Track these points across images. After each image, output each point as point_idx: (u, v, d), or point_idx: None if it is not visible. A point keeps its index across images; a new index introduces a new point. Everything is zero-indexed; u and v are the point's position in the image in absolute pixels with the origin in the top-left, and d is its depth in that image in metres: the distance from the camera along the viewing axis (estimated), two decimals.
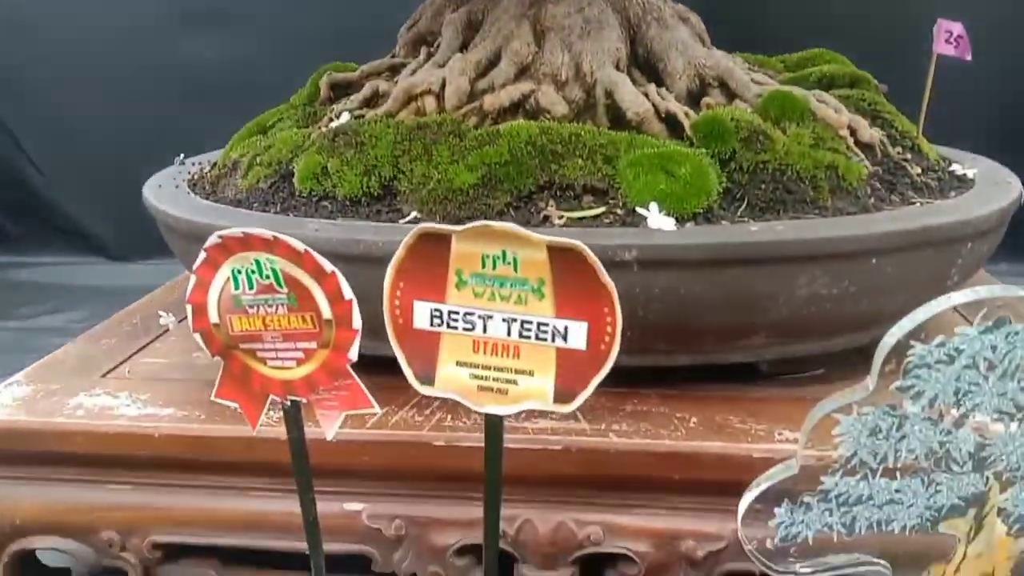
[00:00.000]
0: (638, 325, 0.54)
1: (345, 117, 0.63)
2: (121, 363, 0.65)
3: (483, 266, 0.39)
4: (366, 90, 0.66)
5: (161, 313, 0.72)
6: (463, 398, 0.41)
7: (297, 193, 0.58)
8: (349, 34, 1.25)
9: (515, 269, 0.39)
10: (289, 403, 0.42)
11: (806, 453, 0.48)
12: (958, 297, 0.44)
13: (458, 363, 0.41)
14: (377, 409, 0.41)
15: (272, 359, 0.41)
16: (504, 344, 0.40)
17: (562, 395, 0.41)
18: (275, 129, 0.69)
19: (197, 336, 0.41)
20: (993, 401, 0.46)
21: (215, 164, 0.73)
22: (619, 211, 0.54)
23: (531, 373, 0.41)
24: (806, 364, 0.61)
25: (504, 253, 0.39)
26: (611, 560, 0.56)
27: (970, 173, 0.69)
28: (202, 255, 0.39)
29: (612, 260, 0.50)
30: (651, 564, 0.55)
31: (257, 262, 0.39)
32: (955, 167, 0.71)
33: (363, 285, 0.39)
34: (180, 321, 0.73)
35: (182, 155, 0.77)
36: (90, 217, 1.51)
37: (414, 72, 0.66)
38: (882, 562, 0.51)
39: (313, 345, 0.40)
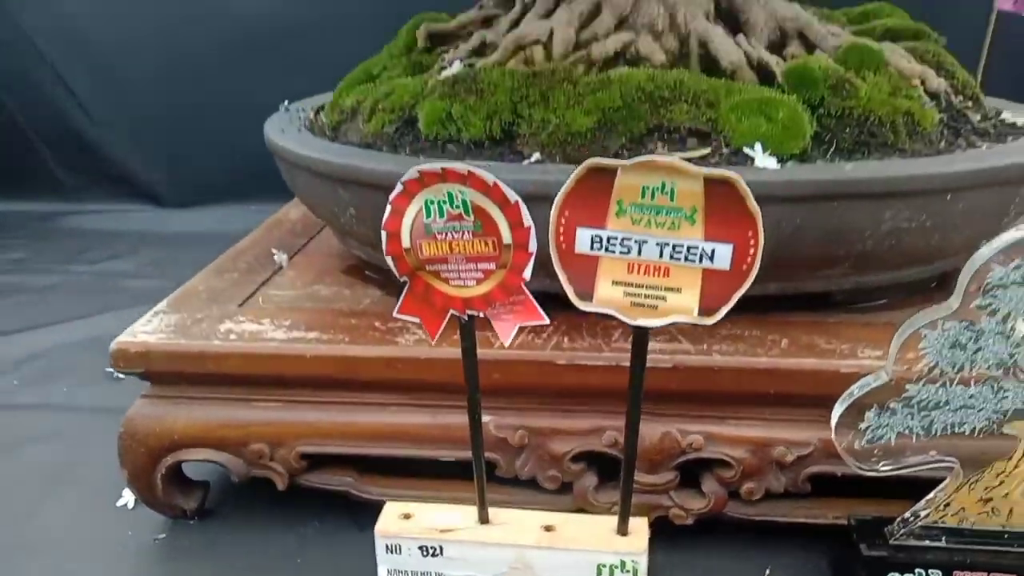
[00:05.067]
0: None
1: (457, 66, 0.68)
2: (251, 295, 0.71)
3: (642, 196, 0.45)
4: (474, 40, 0.71)
5: (274, 251, 0.78)
6: (618, 313, 0.48)
7: (423, 137, 0.64)
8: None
9: (671, 199, 0.45)
10: (467, 317, 0.48)
11: (894, 367, 0.55)
12: None
13: (614, 283, 0.47)
14: (547, 320, 0.47)
15: (455, 279, 0.47)
16: (656, 266, 0.47)
17: (706, 310, 0.47)
18: (382, 77, 0.74)
19: (389, 259, 0.47)
20: None
21: (320, 109, 0.78)
22: (724, 151, 0.60)
23: (679, 290, 0.47)
24: (873, 294, 0.68)
25: (663, 184, 0.45)
26: (707, 467, 0.64)
27: (1019, 121, 0.75)
28: (399, 187, 0.45)
29: None
30: (746, 467, 0.62)
31: (450, 194, 0.45)
32: (1005, 115, 0.77)
33: None
34: (291, 258, 0.79)
35: (286, 102, 0.82)
36: (139, 164, 1.54)
37: (514, 23, 0.71)
38: (951, 458, 0.58)
39: (492, 266, 0.46)
